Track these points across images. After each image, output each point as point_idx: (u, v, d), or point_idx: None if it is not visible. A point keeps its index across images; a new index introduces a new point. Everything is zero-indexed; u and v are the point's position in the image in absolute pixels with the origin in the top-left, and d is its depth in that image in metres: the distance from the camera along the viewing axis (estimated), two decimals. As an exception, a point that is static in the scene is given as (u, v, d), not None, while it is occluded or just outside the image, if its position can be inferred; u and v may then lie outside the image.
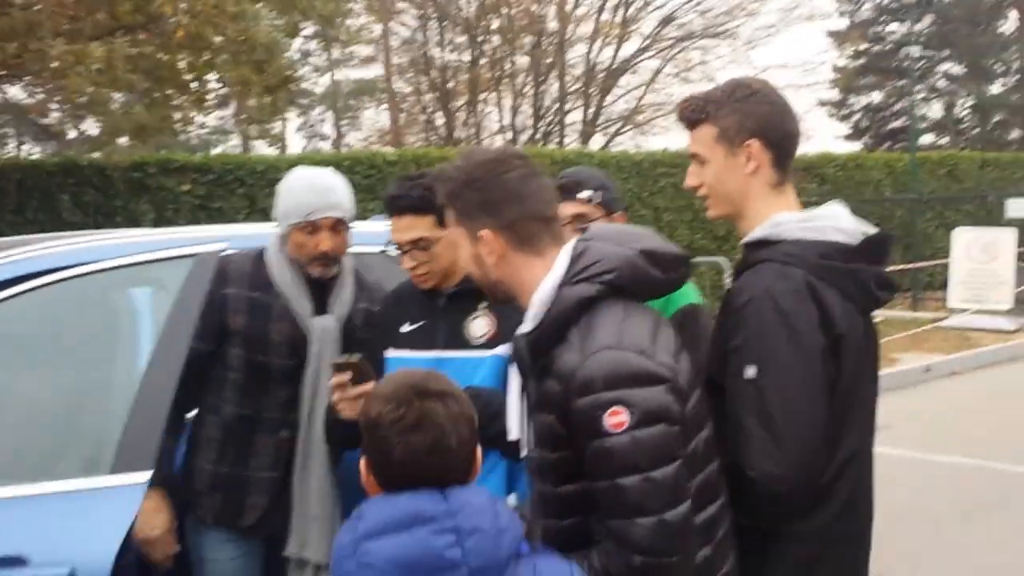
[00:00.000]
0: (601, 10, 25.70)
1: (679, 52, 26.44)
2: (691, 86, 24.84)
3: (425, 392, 1.67)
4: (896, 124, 35.81)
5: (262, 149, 28.03)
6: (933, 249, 17.73)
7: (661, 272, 1.89)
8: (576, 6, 25.84)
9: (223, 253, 2.94)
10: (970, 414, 8.93)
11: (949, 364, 11.13)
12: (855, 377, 2.00)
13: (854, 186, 18.73)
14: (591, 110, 26.68)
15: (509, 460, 2.41)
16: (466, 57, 26.56)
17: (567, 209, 2.83)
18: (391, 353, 2.62)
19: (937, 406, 9.42)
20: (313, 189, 2.76)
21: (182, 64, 11.13)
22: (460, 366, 2.47)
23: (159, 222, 12.00)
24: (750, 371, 1.90)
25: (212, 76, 12.03)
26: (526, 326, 1.88)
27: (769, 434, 1.87)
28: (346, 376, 2.40)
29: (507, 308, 2.42)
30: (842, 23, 36.06)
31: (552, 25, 26.00)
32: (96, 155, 13.29)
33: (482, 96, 26.83)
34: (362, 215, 2.89)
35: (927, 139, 35.01)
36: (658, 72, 26.50)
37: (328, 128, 35.88)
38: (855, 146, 35.13)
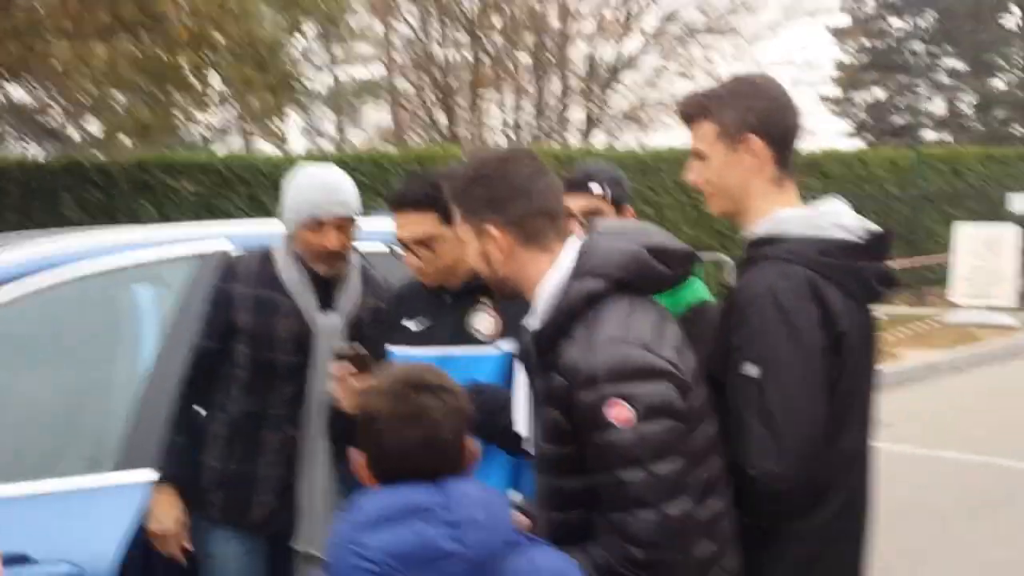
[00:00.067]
0: (603, 8, 25.70)
1: (681, 49, 26.44)
2: (693, 83, 24.83)
3: (420, 386, 1.68)
4: (899, 120, 35.76)
5: (264, 148, 28.03)
6: (936, 245, 17.70)
7: (667, 268, 1.90)
8: (578, 3, 25.83)
9: (228, 252, 2.95)
10: (973, 411, 8.93)
11: (952, 360, 11.12)
12: (856, 375, 2.00)
13: (857, 182, 18.71)
14: (593, 108, 26.68)
15: (513, 456, 2.42)
16: (468, 55, 26.56)
17: (577, 203, 2.84)
18: (396, 350, 2.63)
19: (940, 403, 9.42)
20: (320, 187, 2.77)
21: (184, 63, 11.13)
22: (465, 363, 2.48)
23: (162, 221, 12.01)
24: (751, 369, 1.91)
25: (214, 75, 12.04)
26: (532, 321, 1.89)
27: (769, 432, 1.87)
28: (347, 366, 2.42)
29: (511, 304, 2.43)
30: (844, 19, 36.04)
31: (554, 23, 25.99)
32: (99, 155, 13.31)
33: (484, 94, 26.82)
34: (365, 214, 2.90)
35: (930, 135, 34.96)
36: (660, 69, 26.49)
37: (330, 127, 35.87)
38: (858, 143, 35.08)
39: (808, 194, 2.16)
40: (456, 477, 1.67)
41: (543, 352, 1.85)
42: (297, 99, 15.97)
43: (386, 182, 12.63)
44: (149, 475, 2.77)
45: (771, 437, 1.87)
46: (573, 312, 1.82)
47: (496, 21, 25.88)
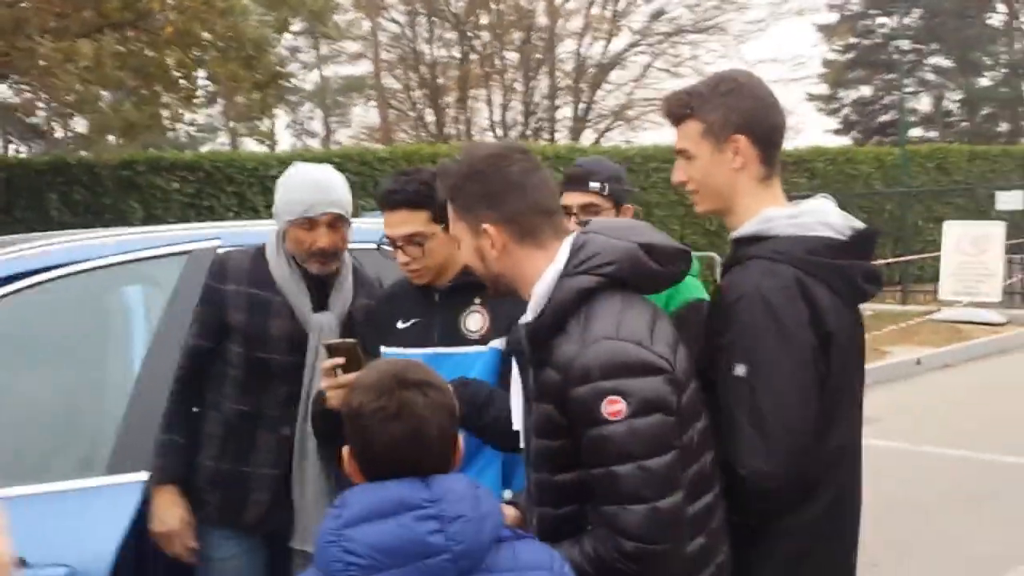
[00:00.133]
0: (591, 5, 25.73)
1: (669, 47, 26.50)
2: (681, 81, 24.87)
3: (406, 382, 1.68)
4: (885, 118, 35.92)
5: (251, 146, 27.95)
6: (923, 242, 17.80)
7: (660, 266, 1.91)
8: (565, 1, 25.86)
9: (218, 250, 2.94)
10: (961, 406, 8.97)
11: (940, 357, 11.17)
12: (843, 373, 2.01)
13: (844, 180, 18.80)
14: (581, 105, 26.71)
15: (498, 450, 2.43)
16: (456, 53, 26.56)
17: (576, 199, 2.83)
18: (387, 350, 2.62)
19: (928, 399, 9.47)
20: (311, 185, 2.76)
21: (171, 61, 11.09)
22: (456, 362, 2.48)
23: (148, 220, 11.99)
24: (740, 369, 1.91)
25: (201, 73, 12.00)
26: (526, 317, 1.90)
27: (759, 432, 1.88)
28: (338, 360, 2.41)
29: (501, 303, 2.44)
30: (831, 17, 36.20)
31: (542, 20, 26.01)
32: (85, 153, 13.26)
33: (472, 92, 26.82)
34: (353, 212, 2.89)
35: (916, 132, 35.12)
36: (648, 67, 26.55)
37: (317, 125, 35.81)
38: (844, 140, 35.25)
39: (795, 192, 2.16)
40: (443, 472, 1.68)
41: (537, 347, 1.86)
42: (284, 97, 15.93)
43: (374, 180, 12.62)
44: (142, 476, 2.75)
45: (761, 436, 1.88)
46: (567, 308, 1.83)
47: (484, 18, 25.89)
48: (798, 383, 1.91)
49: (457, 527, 1.59)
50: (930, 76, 36.52)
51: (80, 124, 14.43)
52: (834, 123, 37.64)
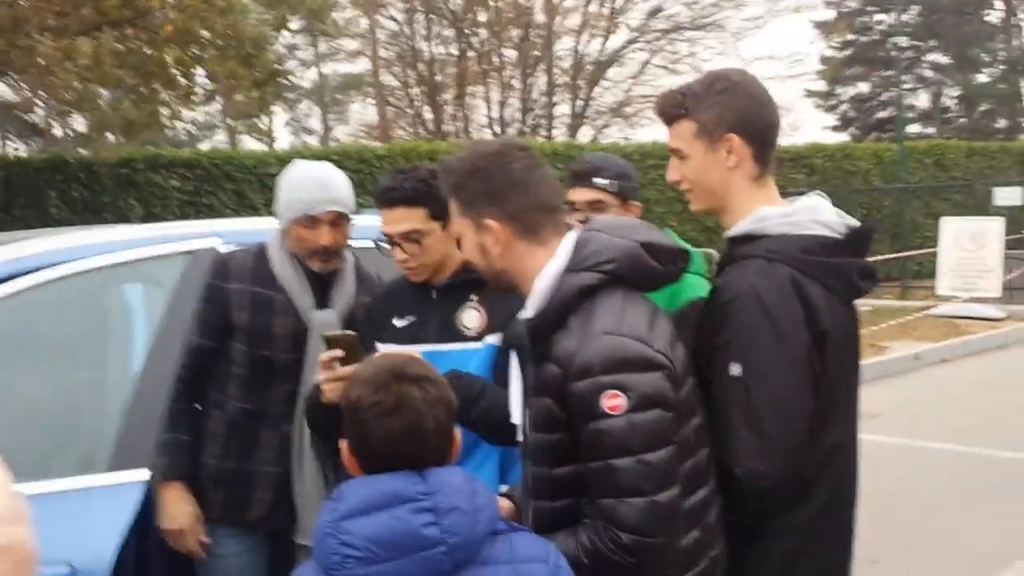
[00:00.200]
0: (588, 2, 25.71)
1: (667, 44, 26.48)
2: (679, 78, 24.87)
3: (403, 376, 1.70)
4: (883, 114, 35.96)
5: (249, 144, 27.95)
6: (921, 238, 17.81)
7: (660, 264, 1.93)
8: (563, -2, 25.82)
9: (219, 249, 2.95)
10: (959, 402, 8.99)
11: (938, 352, 11.19)
12: (839, 371, 2.01)
13: (842, 176, 18.81)
14: (579, 103, 26.69)
15: (489, 442, 2.44)
16: (453, 50, 26.54)
17: (582, 195, 2.83)
18: (384, 348, 2.63)
19: (926, 394, 9.48)
20: (313, 183, 2.77)
21: (170, 59, 11.09)
22: (452, 359, 2.49)
23: (147, 218, 11.99)
24: (735, 369, 1.92)
25: (200, 71, 12.00)
26: (527, 312, 1.92)
27: (754, 432, 1.89)
28: (337, 352, 2.41)
29: (497, 300, 2.45)
30: (829, 14, 36.19)
31: (539, 17, 25.99)
32: (83, 151, 13.25)
33: (470, 89, 26.81)
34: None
35: (914, 129, 35.15)
36: (646, 64, 26.53)
37: (315, 122, 35.79)
38: (842, 136, 35.25)
39: (793, 188, 2.17)
40: (440, 466, 1.69)
41: (538, 342, 1.88)
42: (283, 95, 15.91)
43: (372, 178, 12.62)
44: (143, 475, 2.76)
45: (756, 436, 1.89)
46: (568, 304, 1.85)
47: (482, 15, 25.87)
48: (794, 383, 1.91)
49: (452, 520, 1.60)
50: (928, 72, 36.54)
51: (79, 122, 14.43)
52: (832, 119, 37.68)
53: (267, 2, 12.29)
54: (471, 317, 2.58)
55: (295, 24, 16.31)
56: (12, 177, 12.01)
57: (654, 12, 25.96)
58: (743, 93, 2.06)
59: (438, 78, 26.90)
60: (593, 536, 1.77)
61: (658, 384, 1.76)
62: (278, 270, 2.83)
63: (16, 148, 21.04)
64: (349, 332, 2.48)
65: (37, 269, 2.94)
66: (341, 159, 13.18)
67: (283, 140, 35.04)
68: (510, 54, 26.45)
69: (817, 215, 2.03)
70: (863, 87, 36.97)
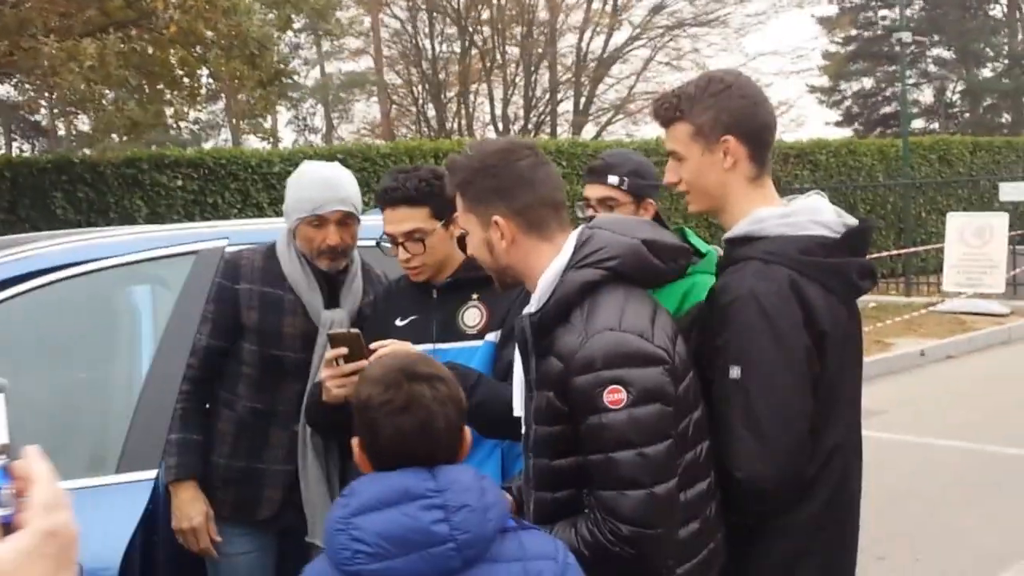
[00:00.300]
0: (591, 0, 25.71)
1: (669, 41, 26.48)
2: (682, 74, 24.87)
3: (414, 375, 1.72)
4: (887, 110, 35.90)
5: (253, 143, 27.96)
6: (926, 234, 17.79)
7: (662, 261, 1.95)
8: (566, -5, 25.82)
9: (228, 249, 2.96)
10: (964, 398, 8.99)
11: (943, 348, 11.18)
12: (839, 371, 2.02)
13: (846, 172, 18.77)
14: (582, 100, 26.70)
15: (481, 435, 2.44)
16: (457, 48, 26.55)
17: (594, 192, 2.83)
18: (377, 345, 2.64)
19: (932, 390, 9.48)
20: (321, 183, 2.78)
21: (174, 60, 11.12)
22: (454, 358, 2.50)
23: (152, 218, 12.01)
24: (734, 371, 1.93)
25: (204, 71, 12.02)
26: (531, 307, 1.95)
27: (755, 435, 1.90)
28: (341, 350, 2.43)
29: (499, 299, 2.47)
30: (832, 9, 36.13)
31: (542, 15, 26.00)
32: (88, 152, 13.28)
33: (473, 87, 26.82)
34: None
35: (918, 124, 35.09)
36: (649, 61, 26.54)
37: (319, 121, 35.81)
38: (846, 132, 35.20)
39: (797, 184, 2.17)
40: (450, 464, 1.71)
41: (540, 337, 1.91)
42: (287, 94, 15.92)
43: (377, 176, 12.64)
44: (151, 474, 2.78)
45: (756, 438, 1.90)
46: (571, 300, 1.88)
47: (485, 13, 25.87)
48: (793, 385, 1.92)
49: (461, 517, 1.62)
50: (932, 68, 36.47)
51: (84, 123, 14.47)
52: (836, 115, 37.63)
53: (271, 2, 12.30)
54: (472, 316, 2.60)
55: (299, 23, 16.32)
56: (17, 178, 12.03)
57: (657, 9, 25.97)
58: (738, 94, 2.07)
59: (441, 76, 26.92)
60: (593, 527, 1.80)
61: (658, 379, 1.79)
62: (287, 270, 2.84)
63: (21, 148, 21.10)
64: (352, 330, 2.50)
65: (46, 271, 2.96)
66: (345, 158, 13.18)
67: (287, 139, 35.04)
68: (513, 51, 26.47)
69: (816, 215, 2.04)
70: (867, 82, 36.91)
